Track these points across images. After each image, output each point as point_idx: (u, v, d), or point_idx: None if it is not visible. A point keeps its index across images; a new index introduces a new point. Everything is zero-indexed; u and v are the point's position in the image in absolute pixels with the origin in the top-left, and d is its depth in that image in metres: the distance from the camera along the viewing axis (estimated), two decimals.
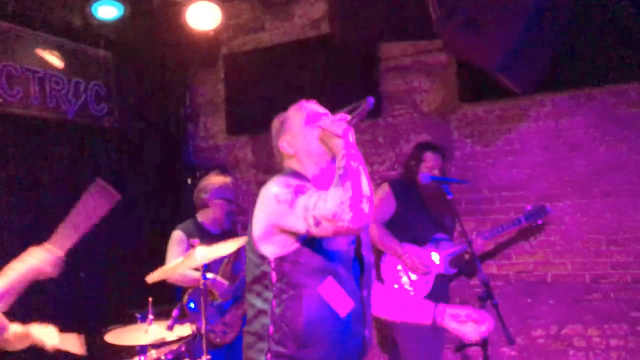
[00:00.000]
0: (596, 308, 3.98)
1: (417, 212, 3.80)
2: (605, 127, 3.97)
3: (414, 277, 3.73)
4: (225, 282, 3.60)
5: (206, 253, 3.05)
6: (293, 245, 1.85)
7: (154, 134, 4.91)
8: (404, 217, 3.80)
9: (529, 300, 4.18)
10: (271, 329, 1.87)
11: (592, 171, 4.01)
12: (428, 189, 3.73)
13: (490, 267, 4.26)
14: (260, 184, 5.97)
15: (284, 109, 2.10)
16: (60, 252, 2.37)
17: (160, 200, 4.85)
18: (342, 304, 1.87)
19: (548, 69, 3.89)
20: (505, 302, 4.12)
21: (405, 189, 3.87)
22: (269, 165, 5.09)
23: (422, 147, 3.90)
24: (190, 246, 3.09)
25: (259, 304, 1.91)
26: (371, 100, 1.86)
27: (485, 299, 3.07)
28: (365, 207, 1.71)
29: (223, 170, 4.65)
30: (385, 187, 3.90)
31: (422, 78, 4.55)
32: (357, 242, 1.99)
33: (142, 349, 3.02)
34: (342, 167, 1.78)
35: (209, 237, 3.63)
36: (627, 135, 3.91)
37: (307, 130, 2.00)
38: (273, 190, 1.87)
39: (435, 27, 3.61)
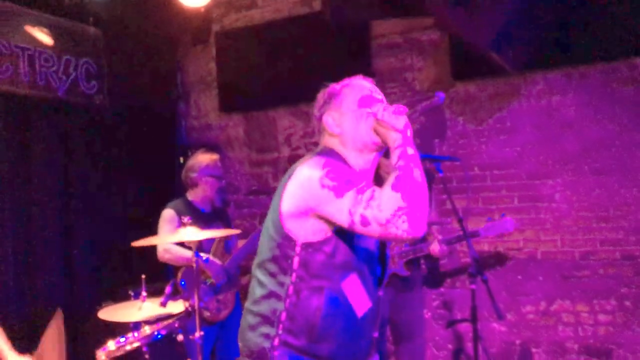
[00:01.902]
0: (585, 284, 4.04)
1: None
2: (596, 104, 3.99)
3: None
4: (219, 262, 3.62)
5: (197, 233, 3.06)
6: (325, 234, 1.75)
7: (145, 113, 4.88)
8: None
9: (519, 277, 4.23)
10: (283, 315, 1.77)
11: (582, 149, 4.03)
12: None
13: (481, 244, 4.30)
14: (253, 162, 5.99)
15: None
16: None
17: (152, 179, 4.84)
18: (361, 303, 1.81)
19: (540, 47, 3.89)
20: (495, 279, 4.17)
21: None
22: (262, 143, 5.08)
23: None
24: (182, 223, 3.09)
25: (272, 285, 1.80)
26: (442, 95, 1.76)
27: (476, 275, 3.12)
28: (423, 216, 1.61)
29: (215, 149, 4.65)
30: None
31: (415, 56, 4.53)
32: (383, 243, 1.94)
33: (136, 326, 3.04)
34: (401, 168, 1.65)
35: (200, 215, 3.63)
36: (618, 112, 3.93)
37: (359, 114, 1.84)
38: (317, 172, 1.72)
39: (427, 4, 3.60)
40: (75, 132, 4.37)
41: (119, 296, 3.48)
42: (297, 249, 1.76)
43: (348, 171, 1.76)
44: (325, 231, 1.75)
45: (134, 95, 4.80)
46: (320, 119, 1.92)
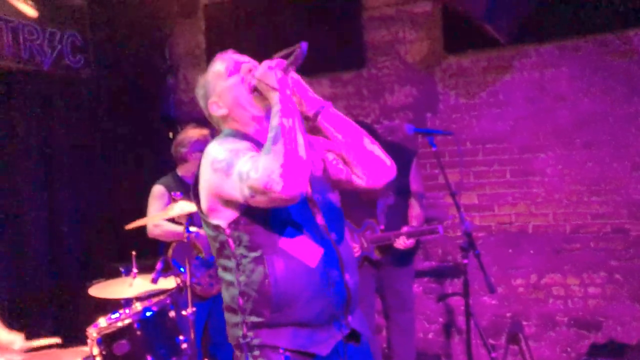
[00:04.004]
0: (576, 257, 4.06)
1: (350, 194, 3.75)
2: (589, 77, 3.96)
3: None
4: None
5: (188, 207, 3.03)
6: (241, 207, 1.71)
7: (132, 87, 4.80)
8: (343, 201, 3.78)
9: (510, 251, 4.25)
10: (240, 299, 1.74)
11: (575, 122, 4.01)
12: None
13: (473, 219, 4.31)
14: None
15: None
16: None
17: (140, 154, 4.79)
18: (310, 253, 1.73)
19: (533, 18, 3.84)
20: (486, 253, 4.18)
21: None
22: None
23: None
24: (173, 199, 3.06)
25: (227, 276, 1.79)
26: (304, 45, 1.71)
27: (468, 249, 3.12)
28: (298, 173, 1.56)
29: (205, 123, 4.59)
30: None
31: (407, 28, 4.47)
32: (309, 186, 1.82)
33: (127, 302, 3.03)
34: (274, 127, 1.61)
35: (190, 190, 3.59)
36: (611, 85, 3.90)
37: (232, 82, 1.84)
38: (209, 157, 1.73)
39: None
40: (61, 106, 4.29)
41: (110, 273, 3.47)
42: (227, 231, 1.75)
43: (238, 146, 1.72)
44: (239, 206, 1.71)
45: (121, 69, 4.72)
46: (209, 113, 1.92)
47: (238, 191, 1.63)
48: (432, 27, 4.39)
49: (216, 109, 1.87)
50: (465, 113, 4.32)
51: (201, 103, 1.95)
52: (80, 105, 4.41)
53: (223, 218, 1.75)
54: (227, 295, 1.80)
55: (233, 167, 1.64)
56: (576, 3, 3.85)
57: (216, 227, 1.77)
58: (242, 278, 1.73)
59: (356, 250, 3.61)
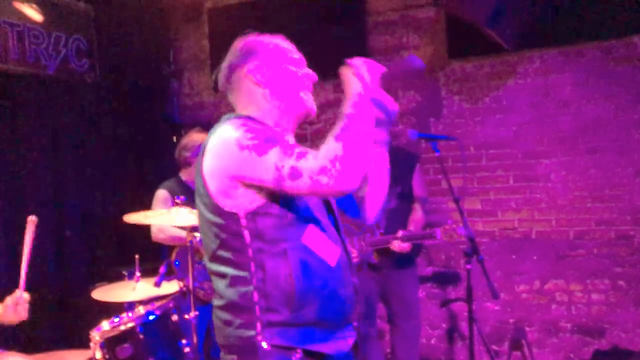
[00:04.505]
0: (579, 264, 4.05)
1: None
2: (593, 83, 3.96)
3: None
4: None
5: (191, 215, 3.03)
6: (262, 197, 1.60)
7: (137, 91, 4.81)
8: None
9: (513, 257, 4.24)
10: (255, 296, 1.59)
11: (578, 128, 4.01)
12: None
13: (476, 224, 4.30)
14: None
15: None
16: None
17: (144, 158, 4.79)
18: (330, 251, 1.67)
19: (537, 25, 3.84)
20: (490, 258, 4.17)
21: None
22: None
23: None
24: (176, 203, 3.06)
25: (233, 270, 1.62)
26: (415, 59, 1.65)
27: (471, 254, 3.11)
28: (358, 168, 1.49)
29: (209, 128, 4.59)
30: None
31: (411, 34, 4.48)
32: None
33: (130, 306, 3.03)
34: (349, 116, 1.55)
35: (194, 195, 3.59)
36: (614, 91, 3.90)
37: (297, 71, 1.75)
38: (232, 134, 1.58)
39: None
40: (66, 110, 4.30)
41: (113, 276, 3.47)
42: (243, 221, 1.60)
43: (269, 129, 1.62)
44: (262, 195, 1.59)
45: (126, 73, 4.74)
46: (235, 68, 1.75)
47: (272, 171, 1.51)
48: (436, 32, 4.39)
49: (258, 76, 1.72)
50: (469, 118, 4.32)
51: (234, 55, 1.78)
52: (85, 109, 4.42)
53: (240, 205, 1.60)
54: (231, 292, 1.63)
55: (270, 149, 1.52)
56: (580, 9, 3.85)
57: (228, 215, 1.61)
58: (261, 274, 1.59)
59: (354, 256, 3.60)
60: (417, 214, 3.71)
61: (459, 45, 4.27)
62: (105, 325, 2.81)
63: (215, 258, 1.67)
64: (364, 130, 1.54)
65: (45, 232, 4.11)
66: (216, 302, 1.70)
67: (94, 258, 4.37)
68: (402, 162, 3.70)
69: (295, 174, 1.49)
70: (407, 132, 3.50)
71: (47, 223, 4.14)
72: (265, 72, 1.73)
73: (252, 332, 1.61)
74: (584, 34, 3.91)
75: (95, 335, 2.72)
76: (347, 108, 1.59)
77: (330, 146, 1.50)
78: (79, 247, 4.31)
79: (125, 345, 2.72)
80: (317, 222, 1.67)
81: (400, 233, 3.51)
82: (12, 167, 3.93)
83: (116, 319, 2.86)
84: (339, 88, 5.16)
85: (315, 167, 1.48)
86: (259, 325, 1.60)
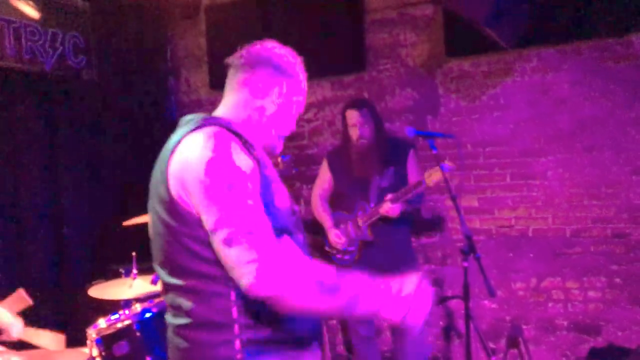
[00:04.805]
0: (575, 261, 4.06)
1: (345, 178, 3.83)
2: (590, 81, 3.96)
3: (337, 248, 3.80)
4: None
5: None
6: None
7: (134, 88, 4.80)
8: (337, 186, 3.88)
9: (510, 254, 4.24)
10: (234, 312, 1.49)
11: (575, 126, 4.01)
12: (358, 152, 3.72)
13: (473, 222, 4.31)
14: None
15: None
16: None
17: (142, 156, 4.78)
18: None
19: (534, 23, 3.84)
20: (487, 256, 4.17)
21: (338, 156, 3.91)
22: None
23: (344, 106, 3.85)
24: None
25: (207, 285, 1.50)
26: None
27: (468, 252, 3.11)
28: (297, 306, 1.45)
29: None
30: (324, 160, 4.00)
31: (408, 31, 4.48)
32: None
33: (127, 303, 3.03)
34: (351, 294, 1.49)
35: None
36: (612, 89, 3.90)
37: (293, 115, 1.74)
38: (204, 153, 1.47)
39: None
40: (63, 107, 4.29)
41: (110, 274, 3.46)
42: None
43: (239, 172, 1.47)
44: None
45: (123, 70, 4.72)
46: (263, 68, 1.67)
47: (210, 223, 1.45)
48: (433, 30, 4.39)
49: (273, 96, 1.68)
50: (466, 116, 4.33)
51: (256, 60, 1.70)
52: (82, 106, 4.41)
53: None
54: (204, 309, 1.51)
55: (227, 200, 1.44)
56: (577, 7, 3.85)
57: (199, 222, 1.48)
58: (239, 287, 1.46)
59: (343, 242, 3.73)
60: None
61: (457, 43, 4.26)
62: (102, 322, 2.82)
63: (180, 273, 1.53)
64: (340, 307, 1.49)
65: (42, 229, 4.11)
66: (181, 320, 1.55)
67: (91, 255, 4.37)
68: (396, 147, 3.73)
69: (229, 243, 1.43)
70: (405, 130, 3.50)
71: (44, 220, 4.13)
72: (284, 98, 1.69)
73: (229, 352, 1.51)
74: (581, 32, 3.91)
75: (92, 333, 2.72)
76: (352, 285, 1.52)
77: (301, 280, 1.45)
78: (76, 244, 4.30)
79: (122, 342, 2.72)
80: (290, 234, 1.60)
81: (388, 196, 3.56)
82: (8, 162, 3.92)
83: (113, 317, 2.86)
84: (336, 86, 5.22)
85: (249, 258, 1.41)
86: (238, 343, 1.51)
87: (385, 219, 3.63)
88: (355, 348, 3.96)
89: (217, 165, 1.46)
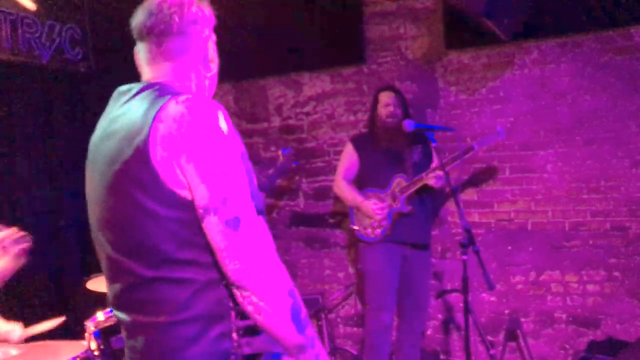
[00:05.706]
0: (574, 255, 4.05)
1: (377, 157, 3.88)
2: (590, 74, 3.95)
3: (367, 221, 3.83)
4: None
5: None
6: None
7: (131, 81, 4.77)
8: (366, 166, 3.92)
9: (509, 248, 4.24)
10: (229, 302, 1.41)
11: (575, 119, 4.00)
12: (386, 131, 3.82)
13: (472, 215, 4.30)
14: (243, 132, 5.94)
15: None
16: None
17: None
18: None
19: (534, 15, 3.83)
20: (486, 249, 4.18)
21: (365, 139, 4.00)
22: (252, 113, 5.01)
23: (377, 90, 4.00)
24: None
25: (199, 273, 1.38)
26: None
27: (467, 245, 3.11)
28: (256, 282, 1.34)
29: None
30: (348, 144, 4.05)
31: (408, 24, 4.46)
32: None
33: None
34: (310, 338, 1.42)
35: None
36: (612, 82, 3.89)
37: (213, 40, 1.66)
38: (209, 121, 1.37)
39: None
40: (60, 99, 4.27)
41: None
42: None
43: (235, 144, 1.39)
44: None
45: (121, 63, 4.69)
46: (195, 24, 1.63)
47: (207, 198, 1.33)
48: (433, 23, 4.37)
49: (208, 51, 1.68)
50: (466, 109, 4.31)
51: (186, 13, 1.62)
52: (79, 98, 4.39)
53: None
54: (201, 300, 1.39)
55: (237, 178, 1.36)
56: (577, 0, 3.84)
57: (186, 205, 1.35)
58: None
59: (384, 211, 3.78)
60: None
61: (456, 36, 4.25)
62: (100, 315, 2.80)
63: (164, 263, 1.37)
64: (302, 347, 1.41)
65: (41, 223, 4.10)
66: (171, 318, 1.39)
67: (89, 248, 4.36)
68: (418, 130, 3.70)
69: (235, 225, 1.33)
70: (404, 123, 3.50)
71: (42, 213, 4.12)
72: (213, 47, 1.64)
73: (227, 344, 1.41)
74: (581, 25, 3.89)
75: (90, 326, 2.72)
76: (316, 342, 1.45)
77: (275, 283, 1.36)
78: (74, 237, 4.29)
79: (120, 335, 2.71)
80: (264, 216, 1.46)
81: (435, 163, 3.69)
82: (5, 156, 3.91)
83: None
84: (335, 78, 5.20)
85: (237, 269, 1.33)
86: (235, 334, 1.42)
87: (420, 191, 3.74)
88: (370, 336, 3.90)
89: (214, 137, 1.35)
